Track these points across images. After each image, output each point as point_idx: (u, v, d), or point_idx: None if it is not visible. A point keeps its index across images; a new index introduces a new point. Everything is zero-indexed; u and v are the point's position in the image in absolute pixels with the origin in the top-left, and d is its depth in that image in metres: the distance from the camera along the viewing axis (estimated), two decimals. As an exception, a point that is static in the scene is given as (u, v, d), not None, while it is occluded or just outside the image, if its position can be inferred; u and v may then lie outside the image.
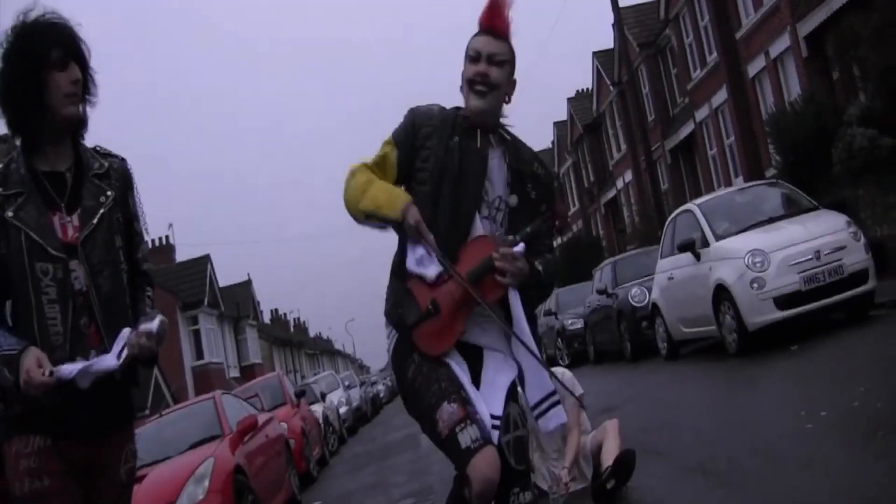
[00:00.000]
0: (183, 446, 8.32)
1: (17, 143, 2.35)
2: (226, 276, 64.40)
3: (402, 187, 2.69)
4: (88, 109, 2.42)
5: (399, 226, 2.59)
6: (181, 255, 38.41)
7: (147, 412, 25.32)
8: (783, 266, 8.18)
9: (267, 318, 54.83)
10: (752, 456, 4.72)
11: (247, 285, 44.02)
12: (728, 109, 21.32)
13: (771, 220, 9.24)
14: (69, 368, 2.27)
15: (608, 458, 5.17)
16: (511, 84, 2.73)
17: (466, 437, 2.41)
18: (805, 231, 8.52)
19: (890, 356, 6.26)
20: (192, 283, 33.68)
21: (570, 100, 42.03)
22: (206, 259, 35.77)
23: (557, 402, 2.62)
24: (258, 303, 46.44)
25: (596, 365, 14.56)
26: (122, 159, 2.52)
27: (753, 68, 19.41)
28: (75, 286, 2.31)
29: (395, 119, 2.81)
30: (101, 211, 2.36)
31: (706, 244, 9.44)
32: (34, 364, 2.21)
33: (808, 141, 12.91)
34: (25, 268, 2.25)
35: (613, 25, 22.34)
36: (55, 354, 2.29)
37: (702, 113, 23.16)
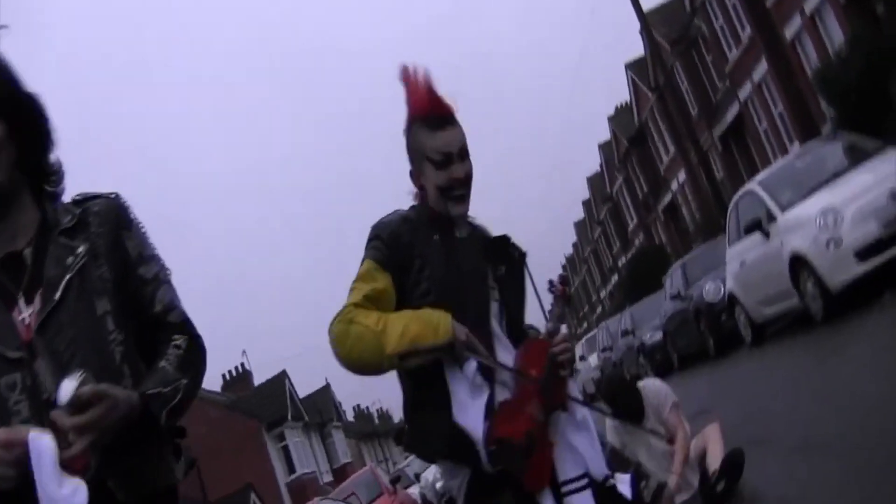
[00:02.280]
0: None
1: None
2: (305, 385, 65.58)
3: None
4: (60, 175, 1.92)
5: (442, 353, 2.29)
6: (259, 377, 40.11)
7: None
8: (858, 217, 7.93)
9: (351, 416, 55.66)
10: (857, 422, 4.56)
11: (326, 390, 45.58)
12: (771, 79, 21.15)
13: (836, 176, 9.01)
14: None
15: (714, 462, 5.21)
16: None
17: None
18: (875, 175, 8.27)
19: None
20: (273, 402, 35.32)
21: (610, 118, 42.35)
22: (282, 375, 37.61)
23: (586, 487, 2.38)
24: (339, 403, 47.60)
25: (682, 371, 14.41)
26: (110, 196, 1.96)
27: (790, 31, 19.27)
28: (42, 395, 1.75)
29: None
30: (68, 276, 1.81)
31: (773, 219, 9.31)
32: None
33: (862, 84, 12.66)
34: None
35: (641, 32, 22.46)
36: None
37: (745, 91, 22.96)
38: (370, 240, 2.44)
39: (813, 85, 16.46)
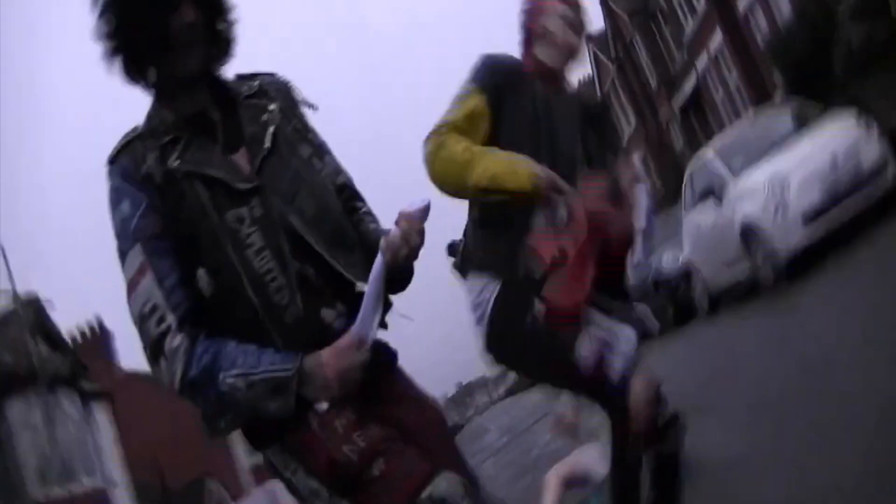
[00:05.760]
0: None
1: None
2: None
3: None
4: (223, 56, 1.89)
5: (517, 197, 2.28)
6: None
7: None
8: (804, 183, 8.00)
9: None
10: (804, 378, 4.57)
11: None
12: (726, 50, 21.16)
13: (784, 142, 9.05)
14: (362, 323, 1.72)
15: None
16: None
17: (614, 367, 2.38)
18: (819, 142, 8.36)
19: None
20: None
21: (574, 92, 42.31)
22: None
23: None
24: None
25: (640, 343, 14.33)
26: (274, 74, 1.99)
27: (743, 3, 19.34)
28: (277, 223, 1.79)
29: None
30: (272, 128, 1.83)
31: (725, 186, 9.30)
32: (333, 353, 1.70)
33: (808, 53, 12.79)
34: (214, 223, 1.72)
35: (602, 4, 22.46)
36: (287, 314, 1.73)
37: (702, 62, 22.95)
38: (481, 63, 2.46)
39: (765, 55, 16.55)
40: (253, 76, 1.95)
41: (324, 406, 1.70)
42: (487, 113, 2.36)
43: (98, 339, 29.44)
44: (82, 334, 29.07)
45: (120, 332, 33.32)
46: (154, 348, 1.68)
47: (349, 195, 1.97)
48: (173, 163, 1.73)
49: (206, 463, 28.14)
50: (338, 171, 1.97)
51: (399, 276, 1.85)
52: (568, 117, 2.52)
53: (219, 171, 1.74)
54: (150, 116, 1.81)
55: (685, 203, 11.04)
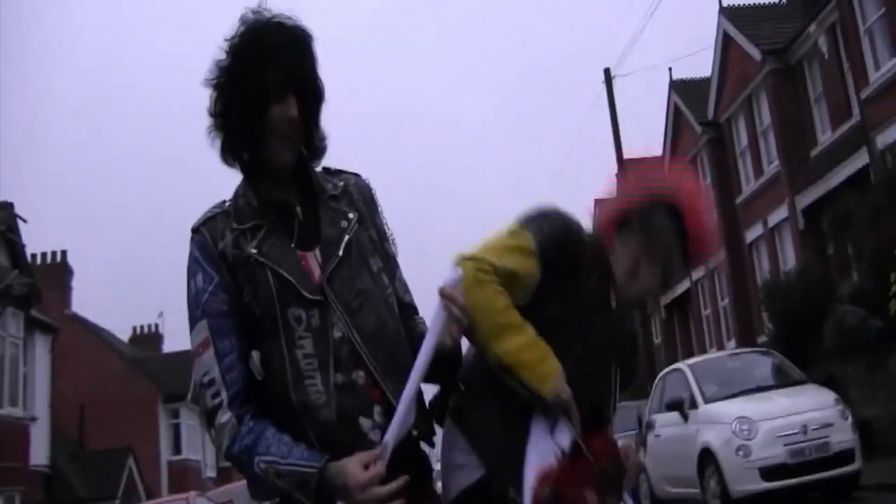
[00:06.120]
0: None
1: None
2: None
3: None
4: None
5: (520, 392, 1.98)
6: (172, 346, 37.38)
7: (117, 502, 24.48)
8: (770, 436, 8.38)
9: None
10: None
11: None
12: (724, 272, 21.81)
13: (760, 389, 9.48)
14: (391, 431, 1.78)
15: None
16: None
17: None
18: (793, 404, 8.76)
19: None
20: (177, 376, 31.99)
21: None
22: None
23: None
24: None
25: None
26: (358, 175, 2.04)
27: (751, 234, 20.09)
28: (333, 336, 1.82)
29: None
30: (347, 237, 1.90)
31: (695, 405, 9.64)
32: (356, 462, 1.73)
33: (800, 313, 13.31)
34: (276, 313, 1.81)
35: (618, 176, 23.25)
36: (321, 414, 1.81)
37: (698, 272, 23.60)
38: (538, 216, 2.12)
39: (760, 295, 17.08)
40: (339, 173, 2.00)
41: None
42: (533, 287, 2.04)
43: (57, 270, 28.33)
44: (45, 261, 27.81)
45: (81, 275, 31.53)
46: (208, 418, 1.83)
47: (410, 313, 2.04)
48: (249, 250, 1.82)
49: (128, 439, 27.01)
50: (404, 289, 2.04)
51: (447, 364, 1.88)
52: (613, 337, 2.16)
53: (290, 274, 1.82)
54: (237, 196, 1.90)
55: (651, 404, 11.33)
